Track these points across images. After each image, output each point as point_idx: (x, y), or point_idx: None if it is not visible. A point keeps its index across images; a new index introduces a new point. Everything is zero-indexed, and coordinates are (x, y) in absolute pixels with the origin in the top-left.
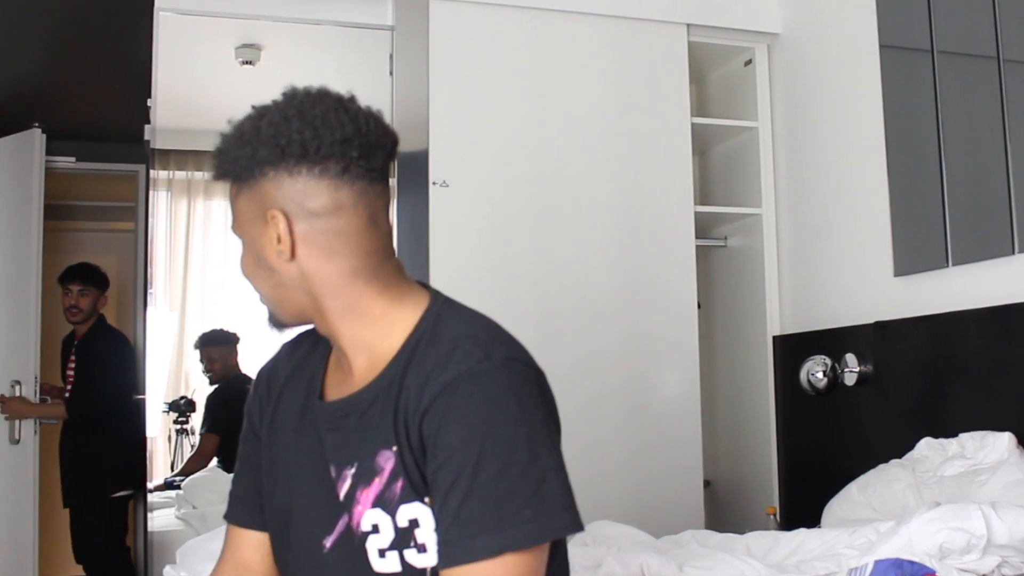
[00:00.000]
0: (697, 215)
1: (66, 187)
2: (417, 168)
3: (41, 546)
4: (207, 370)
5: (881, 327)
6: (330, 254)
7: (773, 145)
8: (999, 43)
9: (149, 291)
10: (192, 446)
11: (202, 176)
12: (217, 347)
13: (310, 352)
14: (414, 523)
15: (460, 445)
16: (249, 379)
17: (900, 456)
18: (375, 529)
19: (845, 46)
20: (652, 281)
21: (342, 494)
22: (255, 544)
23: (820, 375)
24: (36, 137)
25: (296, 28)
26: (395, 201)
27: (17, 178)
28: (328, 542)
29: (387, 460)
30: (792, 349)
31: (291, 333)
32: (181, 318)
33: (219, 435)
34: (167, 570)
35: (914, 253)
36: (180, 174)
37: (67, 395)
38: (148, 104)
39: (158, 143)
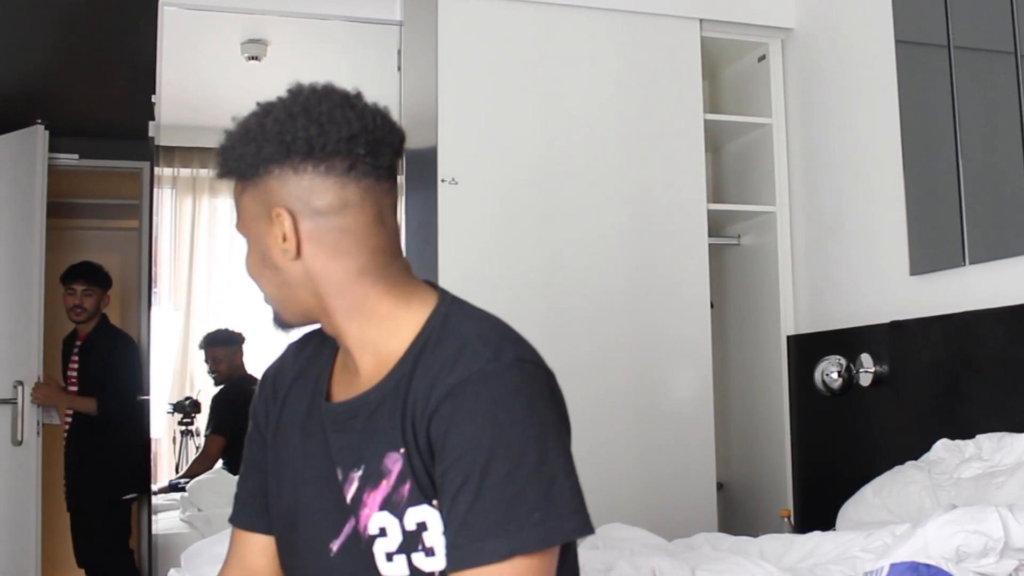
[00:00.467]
0: (710, 213)
1: (69, 185)
2: (425, 165)
3: (43, 549)
4: (212, 371)
5: (897, 327)
6: (336, 253)
7: (787, 142)
8: (1016, 38)
9: (153, 290)
10: (197, 448)
11: (207, 173)
12: (222, 347)
13: (316, 352)
14: (422, 526)
15: (469, 447)
16: (255, 380)
17: (916, 458)
18: (382, 532)
19: (860, 41)
20: (664, 280)
21: (349, 497)
22: (261, 548)
23: (835, 375)
24: (39, 134)
25: (303, 23)
26: (403, 199)
27: (19, 175)
28: (335, 546)
29: (395, 462)
30: (806, 349)
31: (297, 333)
32: (186, 318)
33: (224, 436)
34: (171, 573)
35: (930, 251)
36: (185, 171)
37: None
38: (152, 100)
39: (163, 140)
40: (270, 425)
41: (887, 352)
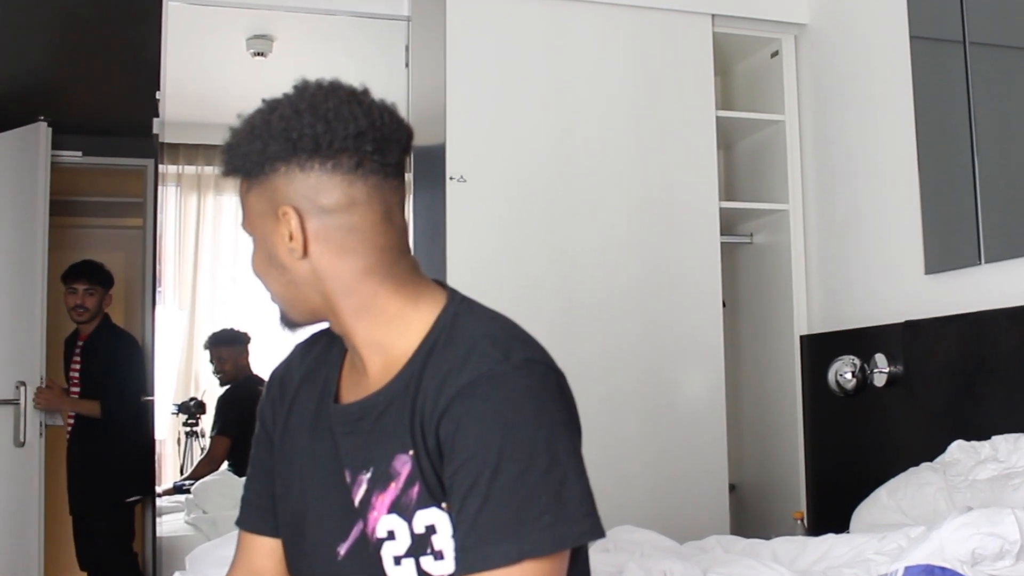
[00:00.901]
0: (722, 211)
1: (72, 182)
2: (434, 163)
3: (46, 552)
4: (217, 371)
5: (911, 326)
6: (343, 251)
7: (800, 139)
8: None
9: (158, 289)
10: (202, 449)
11: (212, 171)
12: (228, 347)
13: (324, 353)
14: (431, 529)
15: (478, 449)
16: (261, 380)
17: (931, 459)
18: (390, 536)
19: (874, 37)
20: (676, 279)
21: (357, 500)
22: (268, 551)
23: (849, 376)
24: (41, 131)
25: (309, 19)
26: (410, 197)
27: (22, 173)
28: (343, 549)
29: (403, 464)
30: (820, 349)
31: (303, 333)
32: (191, 317)
33: (230, 438)
34: None
35: (945, 250)
36: (190, 169)
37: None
38: (157, 97)
39: (167, 137)
40: (277, 426)
41: (902, 352)
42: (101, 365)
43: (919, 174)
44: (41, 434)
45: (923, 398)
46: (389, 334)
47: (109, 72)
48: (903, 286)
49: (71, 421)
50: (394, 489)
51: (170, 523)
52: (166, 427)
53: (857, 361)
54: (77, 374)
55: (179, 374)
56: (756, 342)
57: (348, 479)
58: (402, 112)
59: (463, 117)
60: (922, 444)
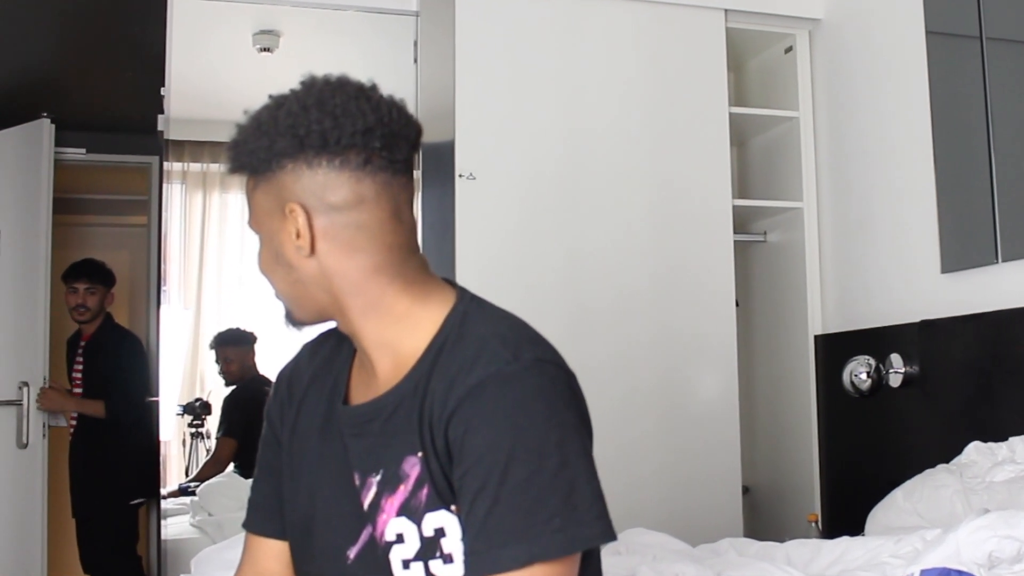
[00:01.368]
0: (735, 209)
1: (76, 180)
2: (442, 160)
3: (49, 554)
4: (223, 371)
5: (928, 326)
6: (351, 249)
7: (815, 136)
8: None
9: (162, 288)
10: (208, 450)
11: (218, 168)
12: (234, 347)
13: (334, 353)
14: (440, 532)
15: (487, 451)
16: (267, 380)
17: (947, 461)
18: (399, 539)
19: (890, 32)
20: (688, 278)
21: (367, 503)
22: (275, 554)
23: (864, 376)
24: (45, 128)
25: (316, 13)
26: (419, 194)
27: (25, 170)
28: (352, 553)
29: (412, 466)
30: (834, 349)
31: (310, 332)
32: (196, 317)
33: (236, 439)
34: None
35: (962, 249)
36: (195, 166)
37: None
38: (162, 93)
39: (172, 134)
40: (285, 428)
41: (917, 352)
42: (105, 366)
43: (935, 171)
44: (44, 435)
45: (939, 399)
46: (398, 334)
47: (113, 68)
48: (919, 285)
49: (74, 422)
50: (403, 491)
51: (175, 526)
52: (171, 428)
53: (872, 361)
54: (80, 375)
55: (184, 374)
56: (770, 342)
57: (357, 482)
58: (410, 108)
59: (472, 113)
60: (938, 445)
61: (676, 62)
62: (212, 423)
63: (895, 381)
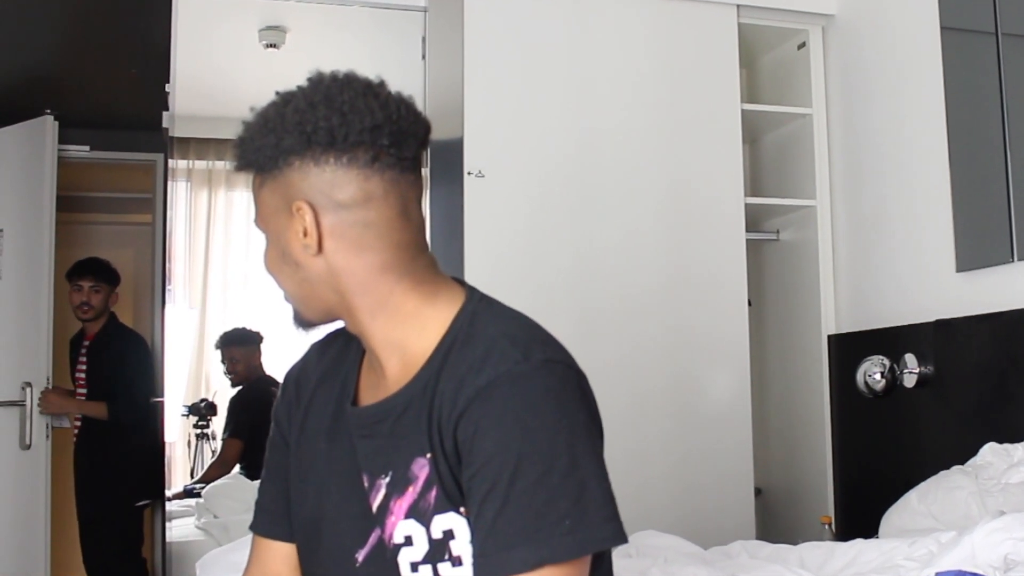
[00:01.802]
0: (747, 207)
1: (80, 177)
2: (451, 157)
3: (52, 556)
4: (229, 371)
5: (942, 326)
6: (359, 248)
7: (828, 133)
8: None
9: (167, 288)
10: (213, 452)
11: (223, 165)
12: (239, 347)
13: (342, 353)
14: (449, 534)
15: (496, 452)
16: (274, 381)
17: (962, 462)
18: (408, 541)
19: (904, 28)
20: (700, 277)
21: (375, 505)
22: (282, 556)
23: (878, 376)
24: (48, 125)
25: (323, 9)
26: (427, 192)
27: (28, 168)
28: (360, 556)
29: (421, 468)
30: (848, 349)
31: (318, 332)
32: (201, 316)
33: (242, 440)
34: None
35: (977, 247)
36: (200, 163)
37: (84, 395)
38: (166, 90)
39: (177, 131)
40: (293, 429)
41: (932, 352)
42: (109, 366)
43: (950, 169)
44: (47, 436)
45: (954, 399)
46: (406, 333)
47: (117, 64)
48: (934, 284)
49: (78, 424)
50: (412, 493)
51: (180, 528)
52: (176, 429)
53: (886, 361)
54: (83, 375)
55: (189, 375)
56: (782, 342)
57: (366, 483)
58: (418, 105)
59: (481, 110)
60: (953, 447)
61: (688, 58)
62: (218, 424)
63: (909, 381)
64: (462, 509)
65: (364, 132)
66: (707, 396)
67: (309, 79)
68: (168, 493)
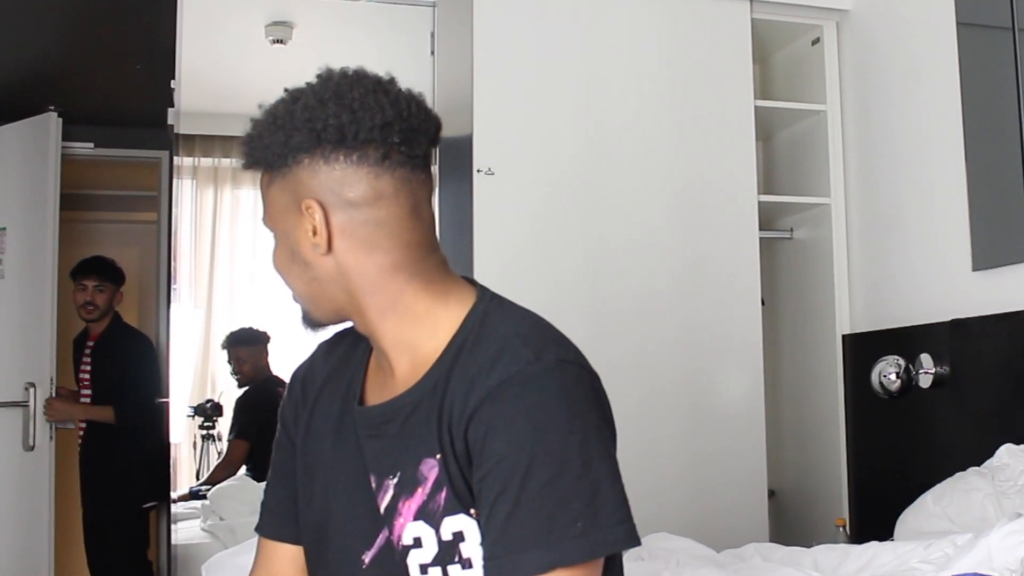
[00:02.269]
0: (761, 205)
1: (84, 175)
2: (460, 155)
3: (56, 559)
4: (235, 372)
5: (959, 325)
6: (370, 247)
7: (842, 130)
8: None
9: (173, 287)
10: (219, 453)
11: (230, 163)
12: (246, 347)
13: (349, 353)
14: (458, 536)
15: (508, 453)
16: (280, 381)
17: (979, 464)
18: (417, 543)
19: (920, 23)
20: (713, 276)
21: (383, 506)
22: (289, 558)
23: (893, 377)
24: (52, 121)
25: (330, 4)
26: (436, 190)
27: (31, 165)
28: (368, 557)
29: (431, 469)
30: (863, 349)
31: (326, 333)
32: (207, 316)
33: (248, 441)
34: None
35: (994, 246)
36: (206, 161)
37: (89, 397)
38: (172, 86)
39: (182, 128)
40: (299, 429)
41: (948, 352)
42: (113, 366)
43: (966, 166)
44: (51, 437)
45: (971, 400)
46: (417, 333)
47: (122, 60)
48: (950, 283)
49: (83, 425)
50: (421, 495)
51: (186, 530)
52: (182, 430)
53: (902, 361)
54: (88, 375)
55: (195, 375)
56: (796, 342)
57: (373, 484)
58: (428, 102)
59: (491, 107)
60: (969, 448)
61: (700, 54)
62: (224, 425)
63: (925, 382)
64: (472, 511)
65: (375, 130)
66: (720, 397)
67: (318, 76)
68: (174, 495)
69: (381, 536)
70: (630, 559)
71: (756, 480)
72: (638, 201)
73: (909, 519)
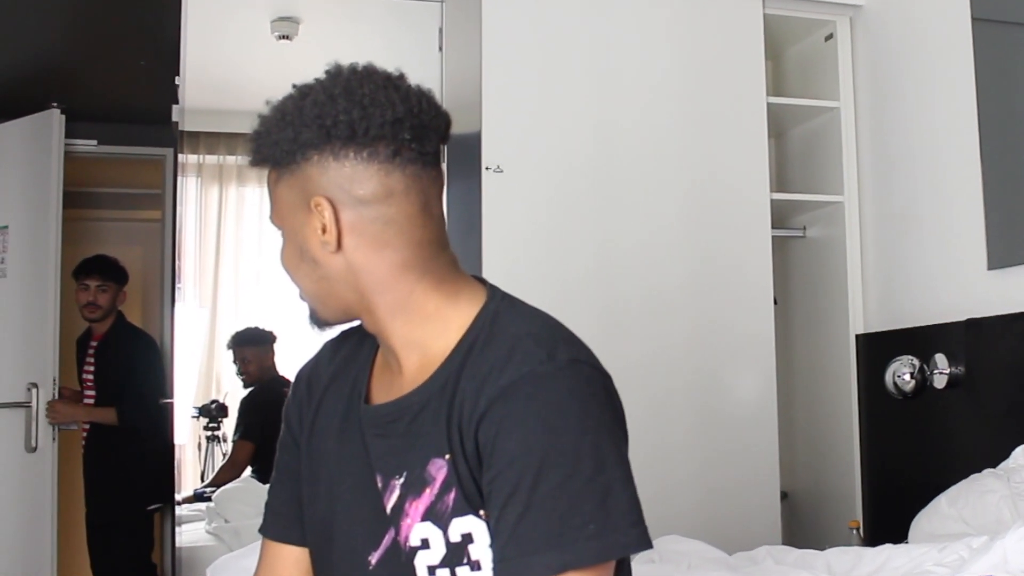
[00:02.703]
0: (773, 203)
1: (87, 173)
2: (469, 152)
3: (59, 561)
4: (240, 372)
5: (974, 325)
6: (380, 245)
7: (856, 127)
8: None
9: (177, 286)
10: (224, 454)
11: (235, 160)
12: (251, 347)
13: (354, 352)
14: (467, 538)
15: (519, 454)
16: (286, 381)
17: (994, 465)
18: (425, 544)
19: (934, 19)
20: (724, 275)
21: (389, 506)
22: (294, 560)
23: (907, 377)
24: (54, 118)
25: (337, 0)
26: (445, 188)
27: (34, 163)
28: (373, 558)
29: (439, 469)
30: (877, 349)
31: (333, 332)
32: (212, 315)
33: (253, 442)
34: None
35: (1010, 244)
36: (211, 158)
37: (93, 398)
38: (176, 82)
39: (187, 125)
40: (304, 429)
41: (963, 352)
42: (117, 367)
43: (981, 164)
44: (54, 439)
45: (986, 400)
46: (426, 332)
47: (126, 55)
48: (965, 282)
49: (86, 426)
50: (428, 495)
51: (190, 532)
52: (186, 432)
53: (916, 361)
54: (91, 376)
55: (200, 375)
56: (809, 341)
57: (379, 484)
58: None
59: (500, 104)
60: (985, 449)
61: (712, 50)
62: (229, 426)
63: (940, 382)
64: (482, 512)
65: (385, 126)
66: (732, 397)
67: (327, 71)
68: (178, 497)
69: (387, 537)
70: (641, 562)
71: (768, 482)
72: (649, 199)
73: (923, 521)
